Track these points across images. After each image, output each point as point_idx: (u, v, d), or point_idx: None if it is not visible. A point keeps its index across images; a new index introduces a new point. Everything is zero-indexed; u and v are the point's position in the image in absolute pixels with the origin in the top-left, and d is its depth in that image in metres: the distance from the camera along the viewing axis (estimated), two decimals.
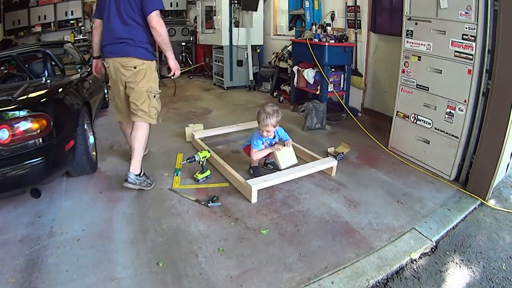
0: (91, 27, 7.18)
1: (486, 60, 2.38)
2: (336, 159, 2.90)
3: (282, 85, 5.45)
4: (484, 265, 1.89)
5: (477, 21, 2.34)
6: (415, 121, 2.95)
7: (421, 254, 1.96)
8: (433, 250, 2.01)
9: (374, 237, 2.05)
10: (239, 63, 6.09)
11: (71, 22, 7.14)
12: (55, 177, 2.39)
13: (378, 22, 4.02)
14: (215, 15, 6.11)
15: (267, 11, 6.18)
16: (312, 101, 3.93)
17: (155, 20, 2.33)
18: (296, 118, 4.34)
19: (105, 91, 4.76)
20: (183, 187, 2.62)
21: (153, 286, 1.68)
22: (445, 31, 2.57)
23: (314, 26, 4.48)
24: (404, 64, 2.96)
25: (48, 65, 3.01)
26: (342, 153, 3.07)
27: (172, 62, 2.62)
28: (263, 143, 2.67)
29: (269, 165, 2.93)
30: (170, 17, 7.93)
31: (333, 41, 4.01)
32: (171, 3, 7.86)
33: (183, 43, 7.25)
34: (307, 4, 4.70)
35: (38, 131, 2.05)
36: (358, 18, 4.18)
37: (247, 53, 6.04)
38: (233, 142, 3.54)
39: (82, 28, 7.23)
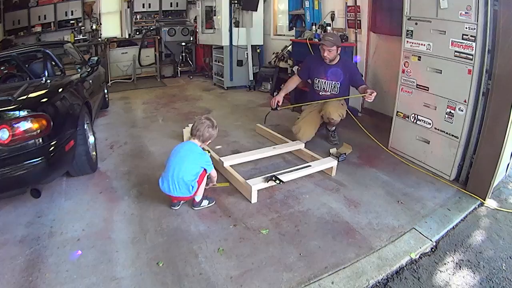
0: (91, 27, 7.24)
1: (486, 60, 2.38)
2: (338, 160, 2.90)
3: (282, 85, 5.43)
4: (484, 265, 1.88)
5: (477, 21, 2.34)
6: (415, 121, 2.95)
7: (421, 254, 1.96)
8: (433, 250, 2.01)
9: (374, 237, 2.05)
10: (239, 63, 6.08)
11: (71, 22, 7.13)
12: (55, 177, 2.39)
13: (378, 22, 4.02)
14: (215, 15, 6.11)
15: (267, 11, 6.18)
16: None
17: None
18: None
19: (105, 91, 4.76)
20: None
21: (153, 286, 1.68)
22: (445, 31, 2.57)
23: (314, 26, 4.49)
24: (404, 64, 2.96)
25: (48, 65, 3.00)
26: (345, 153, 3.07)
27: None
28: None
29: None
30: (170, 17, 7.93)
31: None
32: (171, 3, 7.85)
33: (183, 43, 7.25)
34: (307, 4, 4.70)
35: (38, 131, 2.05)
36: (358, 18, 4.18)
37: (247, 53, 6.03)
38: (234, 143, 3.54)
39: (82, 28, 7.22)
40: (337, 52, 3.06)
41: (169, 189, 2.17)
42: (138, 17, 7.64)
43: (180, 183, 2.14)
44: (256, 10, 5.83)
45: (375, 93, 2.85)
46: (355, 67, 3.20)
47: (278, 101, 3.26)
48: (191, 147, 2.25)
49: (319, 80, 3.13)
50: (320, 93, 3.25)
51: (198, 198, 2.30)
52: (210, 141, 2.36)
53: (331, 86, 3.17)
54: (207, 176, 2.32)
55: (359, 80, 3.17)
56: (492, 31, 2.32)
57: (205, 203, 2.34)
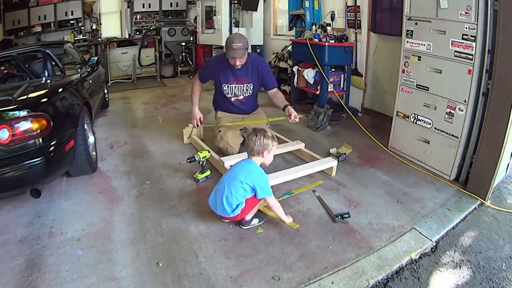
0: (91, 27, 7.24)
1: (486, 60, 2.38)
2: (338, 160, 2.90)
3: (282, 85, 5.44)
4: (484, 265, 1.88)
5: (477, 21, 2.34)
6: (415, 121, 2.95)
7: (421, 254, 1.96)
8: (433, 250, 2.01)
9: (374, 237, 2.05)
10: None
11: (71, 22, 7.12)
12: (55, 177, 2.39)
13: (378, 22, 4.02)
14: (215, 15, 6.11)
15: (267, 11, 6.17)
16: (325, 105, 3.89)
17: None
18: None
19: (105, 91, 4.76)
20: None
21: (153, 286, 1.68)
22: (445, 31, 2.57)
23: (314, 26, 4.48)
24: (404, 64, 2.96)
25: (48, 65, 3.00)
26: (345, 154, 3.07)
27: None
28: None
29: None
30: (170, 17, 7.93)
31: (333, 41, 4.01)
32: (171, 3, 7.85)
33: (183, 43, 7.24)
34: (307, 4, 4.69)
35: (38, 131, 2.06)
36: (358, 18, 4.18)
37: None
38: None
39: (82, 28, 7.21)
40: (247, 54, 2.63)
41: (214, 206, 2.06)
42: (138, 17, 7.64)
43: (223, 203, 1.98)
44: (256, 10, 5.82)
45: (297, 119, 2.66)
46: (265, 64, 2.83)
47: (200, 118, 3.02)
48: (245, 166, 2.06)
49: (228, 86, 2.76)
50: (232, 100, 2.90)
51: (248, 217, 2.07)
52: (267, 151, 2.06)
53: (243, 90, 2.80)
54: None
55: (270, 82, 2.80)
56: (492, 31, 2.32)
57: (255, 221, 2.12)
